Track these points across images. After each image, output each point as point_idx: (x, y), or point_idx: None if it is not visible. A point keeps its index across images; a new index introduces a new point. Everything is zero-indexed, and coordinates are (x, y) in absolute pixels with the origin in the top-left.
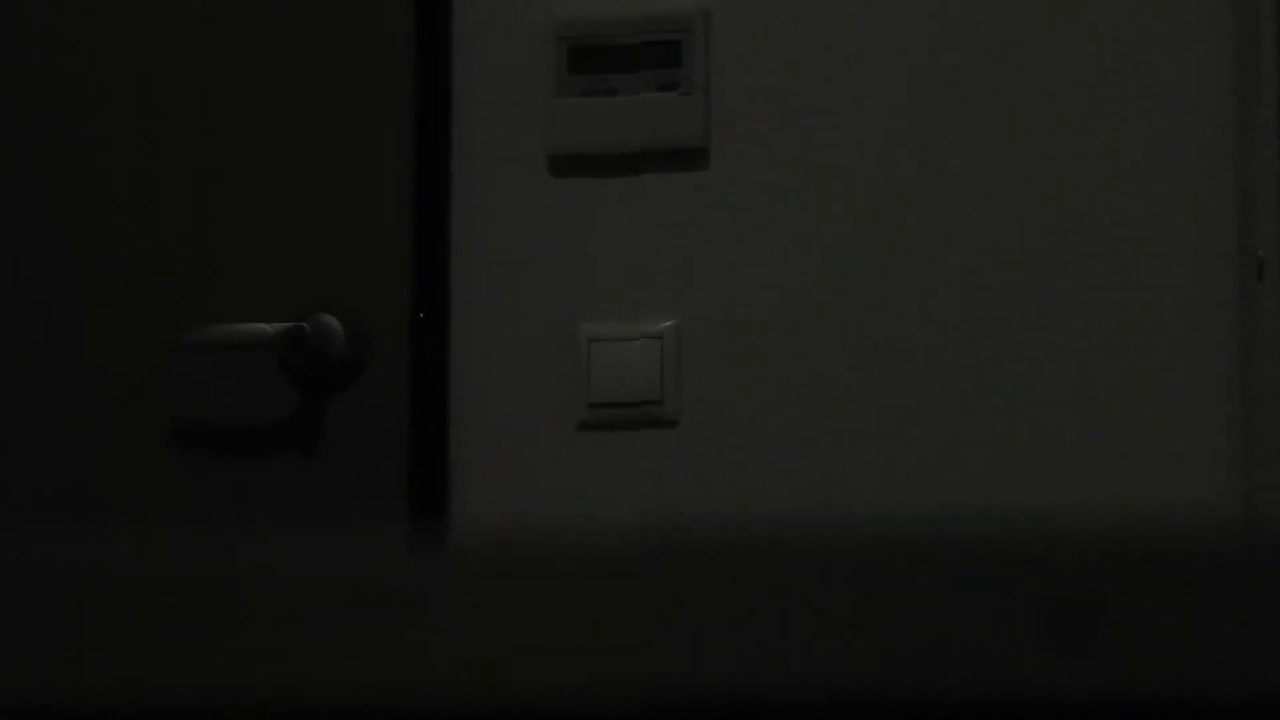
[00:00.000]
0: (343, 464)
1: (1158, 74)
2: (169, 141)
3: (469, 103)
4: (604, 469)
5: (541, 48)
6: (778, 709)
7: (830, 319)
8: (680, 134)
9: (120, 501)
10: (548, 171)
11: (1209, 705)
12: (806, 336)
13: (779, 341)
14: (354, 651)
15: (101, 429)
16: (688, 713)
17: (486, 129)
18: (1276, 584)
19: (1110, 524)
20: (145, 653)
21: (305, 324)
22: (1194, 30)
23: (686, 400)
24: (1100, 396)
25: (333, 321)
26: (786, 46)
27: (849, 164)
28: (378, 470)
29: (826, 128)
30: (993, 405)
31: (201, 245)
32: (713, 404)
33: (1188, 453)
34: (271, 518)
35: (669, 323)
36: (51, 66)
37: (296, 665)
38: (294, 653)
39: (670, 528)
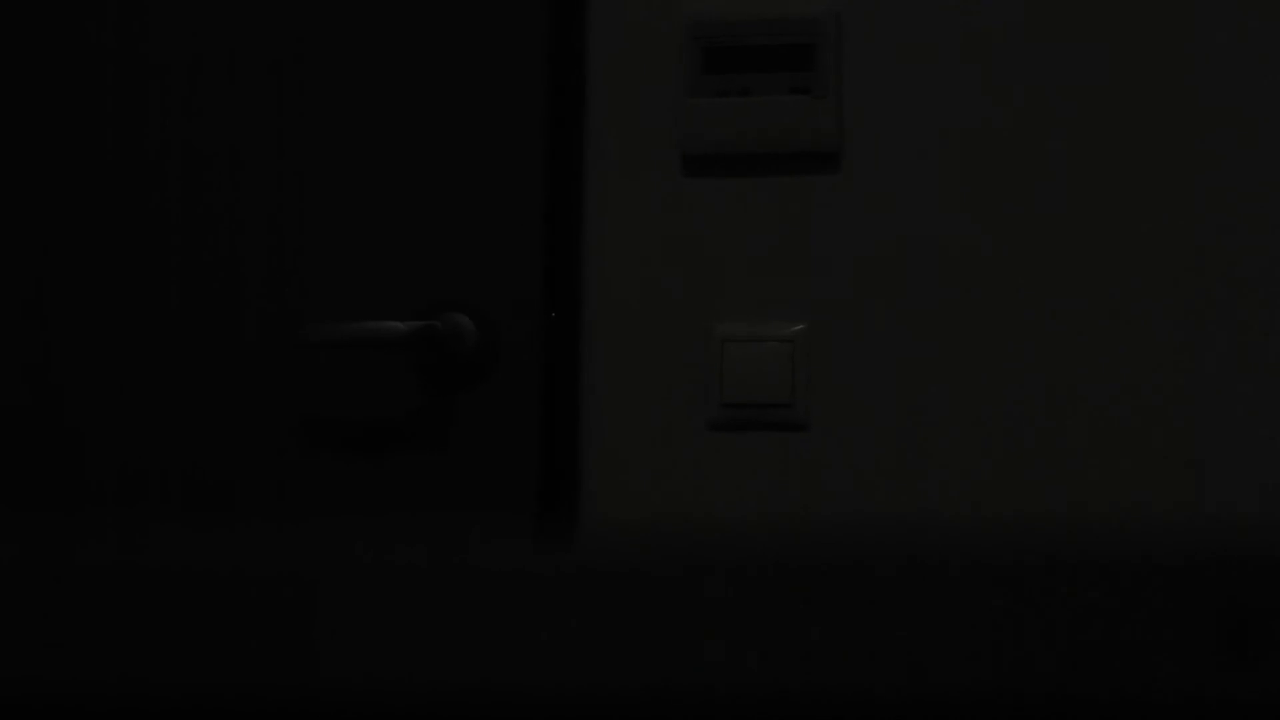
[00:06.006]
0: (472, 462)
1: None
2: (307, 138)
3: (603, 101)
4: (735, 469)
5: (676, 48)
6: (927, 715)
7: (962, 325)
8: (812, 136)
9: (252, 496)
10: (681, 171)
11: None
12: (937, 342)
13: (910, 347)
14: (476, 646)
15: (236, 424)
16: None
17: (621, 128)
18: None
19: None
20: (265, 643)
21: (437, 322)
22: None
23: (817, 404)
24: (1245, 406)
25: (464, 320)
26: (918, 49)
27: (980, 167)
28: (508, 468)
29: (958, 131)
30: (1137, 411)
31: (336, 242)
32: (844, 408)
33: None
34: (401, 515)
35: (800, 326)
36: (182, 60)
37: (419, 660)
38: (416, 648)
39: (799, 530)
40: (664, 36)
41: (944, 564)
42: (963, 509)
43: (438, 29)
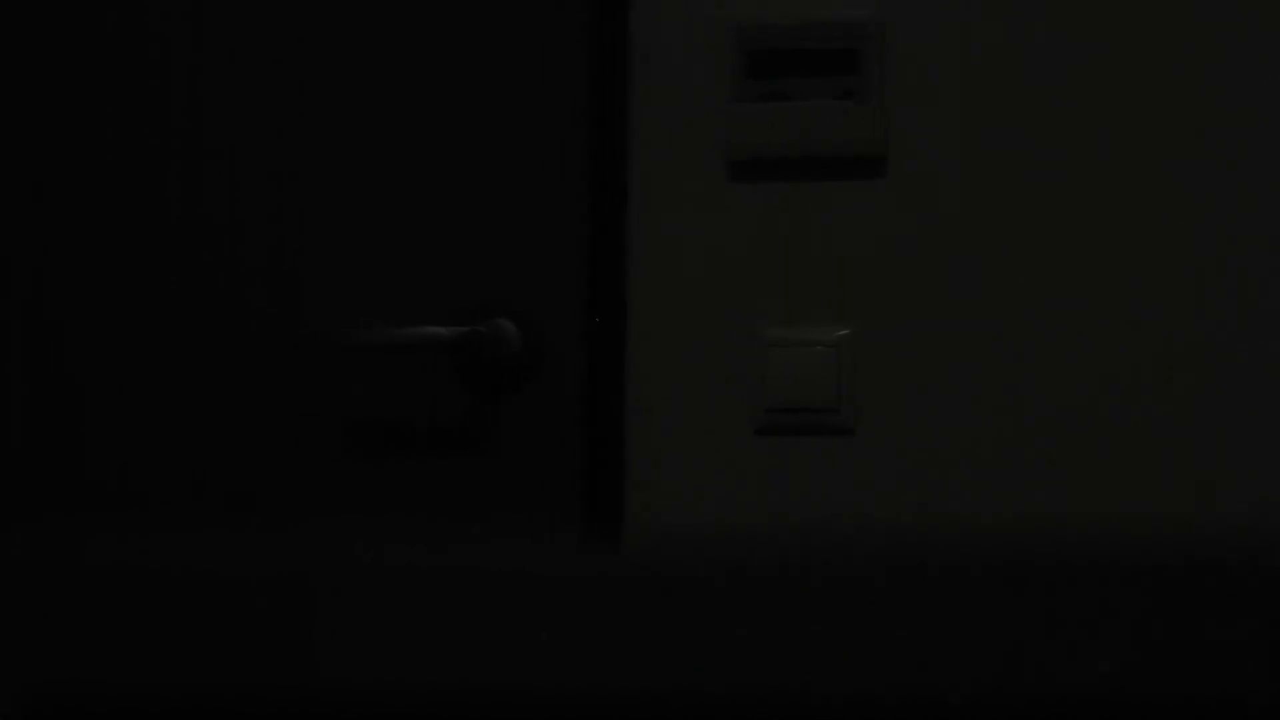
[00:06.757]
0: (516, 466)
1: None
2: (351, 143)
3: (647, 105)
4: (779, 474)
5: (720, 52)
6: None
7: (1005, 330)
8: (858, 141)
9: (294, 500)
10: (725, 175)
11: None
12: (982, 347)
13: (955, 351)
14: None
15: (278, 428)
16: None
17: (664, 132)
18: None
19: None
20: (304, 644)
21: (481, 326)
22: None
23: (862, 408)
24: None
25: (508, 324)
26: (964, 55)
27: (1026, 173)
28: (552, 473)
29: (1003, 135)
30: (1185, 413)
31: (378, 248)
32: (889, 412)
33: None
34: (444, 519)
35: (845, 331)
36: (229, 64)
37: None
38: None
39: (845, 536)
40: (707, 41)
41: (974, 567)
42: (1012, 512)
43: (482, 34)
